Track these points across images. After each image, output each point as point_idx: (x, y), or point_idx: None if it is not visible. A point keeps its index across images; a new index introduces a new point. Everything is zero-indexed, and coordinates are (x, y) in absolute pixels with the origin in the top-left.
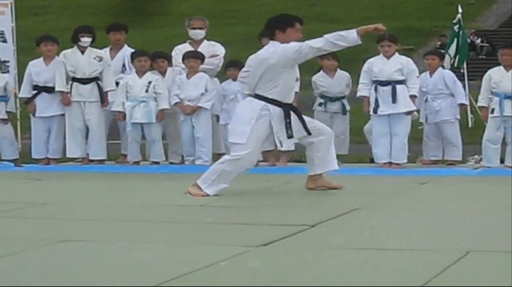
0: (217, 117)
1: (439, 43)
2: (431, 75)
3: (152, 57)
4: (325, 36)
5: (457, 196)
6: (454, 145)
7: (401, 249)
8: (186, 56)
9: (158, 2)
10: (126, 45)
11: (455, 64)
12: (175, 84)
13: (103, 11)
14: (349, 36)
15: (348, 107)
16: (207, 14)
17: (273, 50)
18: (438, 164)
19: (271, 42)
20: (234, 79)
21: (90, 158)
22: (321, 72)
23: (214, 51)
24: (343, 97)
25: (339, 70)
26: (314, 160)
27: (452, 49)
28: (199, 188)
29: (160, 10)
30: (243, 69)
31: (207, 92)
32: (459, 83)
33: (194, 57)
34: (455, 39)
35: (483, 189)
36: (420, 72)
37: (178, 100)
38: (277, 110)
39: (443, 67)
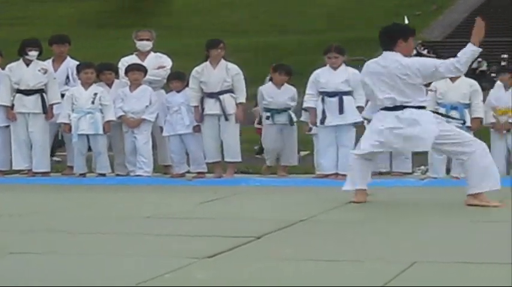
0: (161, 128)
1: None
2: None
3: (99, 69)
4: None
5: (404, 206)
6: (406, 156)
7: (347, 260)
8: (130, 69)
9: (107, 13)
10: (69, 57)
11: None
12: (119, 97)
13: (79, 22)
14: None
15: (295, 119)
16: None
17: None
18: (385, 175)
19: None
20: (178, 91)
21: (34, 170)
22: (269, 83)
23: (161, 62)
24: (289, 108)
25: (285, 83)
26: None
27: None
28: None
29: (112, 22)
30: None
31: (151, 104)
32: None
33: (138, 70)
34: None
35: (430, 200)
36: None
37: (123, 113)
38: None
39: None
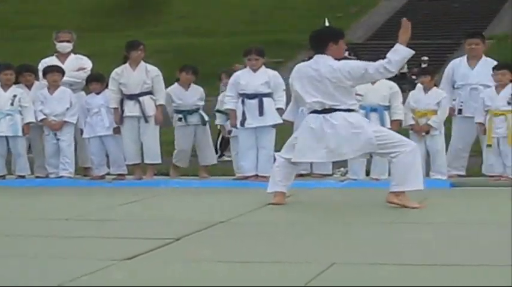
0: (81, 130)
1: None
2: None
3: (18, 71)
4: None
5: (323, 208)
6: None
7: (265, 262)
8: (49, 70)
9: (24, 15)
10: None
11: None
12: (38, 100)
13: None
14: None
15: (206, 118)
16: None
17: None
18: (305, 177)
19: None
20: (98, 93)
21: None
22: (176, 84)
23: (81, 64)
24: (199, 108)
25: (192, 84)
26: None
27: None
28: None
29: (28, 23)
30: None
31: (72, 106)
32: None
33: (57, 71)
34: None
35: (349, 201)
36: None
37: (44, 116)
38: None
39: None
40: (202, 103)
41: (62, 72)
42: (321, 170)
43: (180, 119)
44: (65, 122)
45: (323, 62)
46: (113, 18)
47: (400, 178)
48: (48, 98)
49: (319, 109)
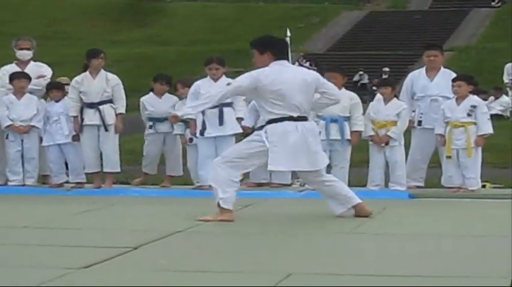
0: (41, 138)
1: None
2: None
3: None
4: None
5: (280, 218)
6: None
7: (223, 271)
8: (16, 76)
9: None
10: None
11: None
12: (3, 105)
13: None
14: None
15: (177, 129)
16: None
17: None
18: (264, 187)
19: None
20: (57, 101)
21: None
22: (151, 93)
23: (41, 72)
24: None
25: (166, 93)
26: None
27: None
28: None
29: None
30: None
31: (38, 112)
32: None
33: (24, 78)
34: None
35: (307, 211)
36: None
37: (11, 122)
38: None
39: None
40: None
41: (29, 78)
42: (280, 180)
43: (150, 127)
44: (32, 126)
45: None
46: (72, 26)
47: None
48: (15, 103)
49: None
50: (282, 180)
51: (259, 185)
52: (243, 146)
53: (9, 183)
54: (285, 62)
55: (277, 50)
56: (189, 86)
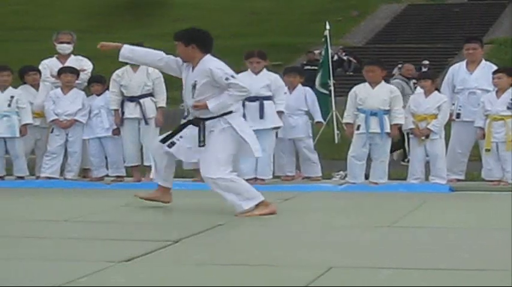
0: None
1: (304, 62)
2: (291, 92)
3: (24, 71)
4: None
5: (321, 211)
6: (313, 161)
7: (263, 265)
8: (63, 71)
9: (20, 17)
10: None
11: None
12: (50, 100)
13: None
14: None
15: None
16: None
17: None
18: (304, 180)
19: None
20: (98, 94)
21: None
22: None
23: (82, 65)
24: None
25: None
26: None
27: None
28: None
29: (23, 24)
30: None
31: (83, 107)
32: (317, 102)
33: (71, 73)
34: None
35: (347, 205)
36: None
37: (55, 116)
38: None
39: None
40: None
41: (76, 73)
42: (310, 173)
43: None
44: (76, 121)
45: None
46: (110, 19)
47: None
48: (61, 98)
49: None
50: (314, 173)
51: (293, 178)
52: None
53: (41, 174)
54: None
55: (203, 43)
56: None
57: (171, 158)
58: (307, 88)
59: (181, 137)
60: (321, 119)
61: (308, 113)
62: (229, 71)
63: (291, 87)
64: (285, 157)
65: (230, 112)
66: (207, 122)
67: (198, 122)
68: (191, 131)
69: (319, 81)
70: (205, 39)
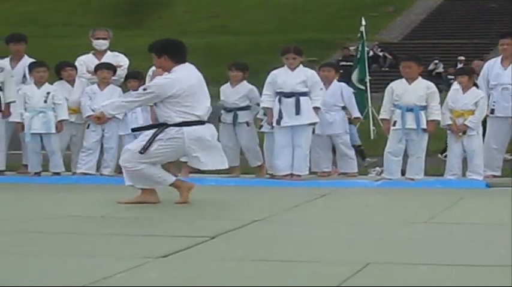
0: None
1: (340, 58)
2: (327, 87)
3: (60, 67)
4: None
5: (358, 207)
6: (350, 157)
7: (301, 261)
8: (99, 67)
9: (59, 13)
10: (26, 56)
11: (358, 77)
12: (86, 95)
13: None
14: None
15: (242, 119)
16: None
17: None
18: (340, 176)
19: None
20: (135, 90)
21: None
22: (228, 83)
23: (118, 61)
24: (238, 109)
25: (244, 82)
26: None
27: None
28: None
29: (62, 21)
30: None
31: None
32: (353, 98)
33: (107, 69)
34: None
35: (384, 201)
36: None
37: (91, 112)
38: None
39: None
40: (247, 102)
41: (112, 69)
42: (346, 169)
43: (219, 117)
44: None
45: None
46: (143, 17)
47: None
48: (98, 93)
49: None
50: (350, 169)
51: (329, 174)
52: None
53: (77, 170)
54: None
55: (174, 53)
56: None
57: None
58: (343, 84)
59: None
60: (358, 115)
61: (345, 109)
62: (153, 82)
63: (327, 83)
64: (322, 152)
65: (193, 123)
66: (167, 129)
67: (161, 126)
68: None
69: (357, 76)
70: (176, 50)
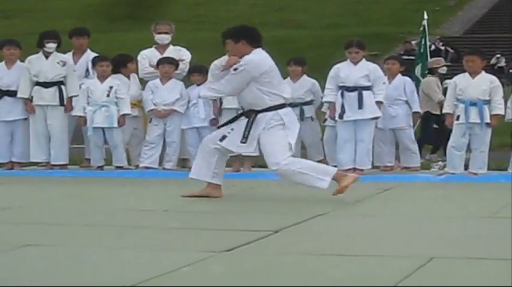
0: None
1: (401, 52)
2: (390, 81)
3: (120, 60)
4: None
5: (421, 202)
6: (413, 151)
7: (364, 255)
8: (161, 62)
9: (125, 7)
10: (89, 50)
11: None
12: (148, 90)
13: (68, 15)
14: None
15: (308, 114)
16: (175, 18)
17: None
18: (401, 171)
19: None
20: (198, 84)
21: (52, 162)
22: (288, 78)
23: (180, 55)
24: (304, 103)
25: (304, 76)
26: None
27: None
28: None
29: (127, 14)
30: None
31: (181, 97)
32: (416, 92)
33: (169, 63)
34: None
35: (447, 195)
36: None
37: (154, 106)
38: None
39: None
40: (311, 96)
41: (174, 64)
42: (409, 163)
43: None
44: (173, 110)
45: None
46: (209, 10)
47: None
48: (160, 88)
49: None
50: (413, 163)
51: (391, 168)
52: None
53: (140, 165)
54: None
55: (252, 38)
56: None
57: (223, 153)
58: (407, 78)
59: (232, 129)
60: (418, 109)
61: (407, 103)
62: (243, 60)
63: (391, 76)
64: (384, 146)
65: (283, 105)
66: (259, 115)
67: (250, 114)
68: (241, 124)
69: (420, 71)
70: (253, 34)
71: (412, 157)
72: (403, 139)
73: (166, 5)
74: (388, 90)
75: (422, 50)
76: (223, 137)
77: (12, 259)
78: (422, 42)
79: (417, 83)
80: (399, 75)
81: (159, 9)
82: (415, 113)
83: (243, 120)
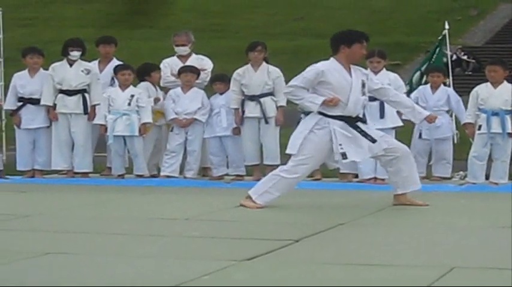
0: None
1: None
2: (433, 92)
3: (144, 69)
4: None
5: (442, 211)
6: (448, 161)
7: (386, 265)
8: (183, 70)
9: (145, 15)
10: (114, 59)
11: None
12: (170, 98)
13: (89, 23)
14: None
15: None
16: (194, 27)
17: None
18: (423, 180)
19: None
20: (221, 93)
21: (75, 170)
22: None
23: (202, 65)
24: None
25: None
26: (397, 179)
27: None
28: (251, 199)
29: (147, 23)
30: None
31: (203, 106)
32: (461, 102)
33: (191, 72)
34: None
35: (468, 205)
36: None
37: (175, 115)
38: (338, 123)
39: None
40: None
41: (196, 72)
42: (440, 173)
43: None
44: (195, 119)
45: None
46: (227, 19)
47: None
48: (181, 97)
49: None
50: (445, 173)
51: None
52: None
53: (161, 173)
54: None
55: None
56: None
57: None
58: (450, 89)
59: (340, 144)
60: (468, 120)
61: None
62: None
63: (434, 87)
64: (420, 157)
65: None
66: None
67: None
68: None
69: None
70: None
71: (446, 167)
72: (443, 149)
73: (183, 14)
74: (431, 100)
75: (433, 61)
76: (344, 156)
77: (32, 267)
78: (437, 51)
79: (410, 89)
80: (442, 85)
81: (176, 18)
82: (464, 124)
83: (339, 132)
